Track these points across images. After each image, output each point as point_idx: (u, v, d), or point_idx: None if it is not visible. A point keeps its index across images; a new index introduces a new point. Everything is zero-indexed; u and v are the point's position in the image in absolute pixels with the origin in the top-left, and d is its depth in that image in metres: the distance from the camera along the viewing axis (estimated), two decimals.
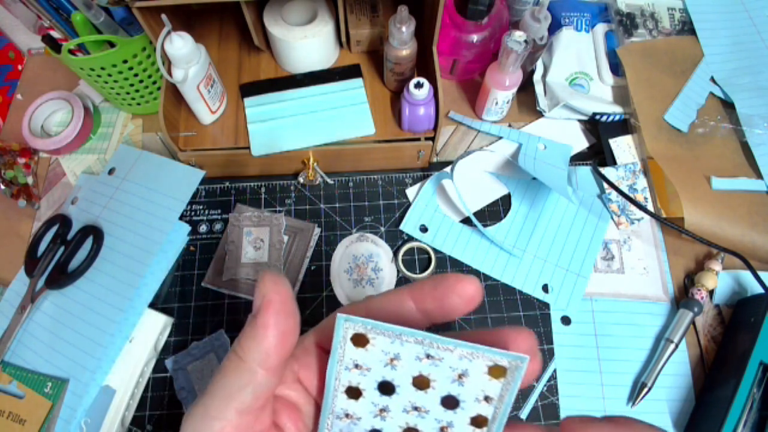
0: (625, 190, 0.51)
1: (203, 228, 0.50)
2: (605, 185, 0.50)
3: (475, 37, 0.51)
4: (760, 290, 0.45)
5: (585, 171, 0.52)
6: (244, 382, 0.19)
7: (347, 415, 0.21)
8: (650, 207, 0.50)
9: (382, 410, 0.20)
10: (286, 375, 0.20)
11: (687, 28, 0.58)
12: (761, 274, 0.45)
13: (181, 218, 0.48)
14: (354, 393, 0.20)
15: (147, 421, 0.43)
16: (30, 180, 0.53)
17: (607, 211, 0.50)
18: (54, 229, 0.48)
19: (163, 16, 0.41)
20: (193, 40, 0.44)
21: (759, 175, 0.49)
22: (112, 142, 0.56)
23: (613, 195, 0.51)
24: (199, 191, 0.52)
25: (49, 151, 0.54)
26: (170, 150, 0.53)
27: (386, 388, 0.20)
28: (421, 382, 0.20)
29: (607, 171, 0.52)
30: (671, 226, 0.47)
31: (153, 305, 0.46)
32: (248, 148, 0.49)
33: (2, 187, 0.51)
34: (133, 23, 0.48)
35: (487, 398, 0.19)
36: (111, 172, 0.51)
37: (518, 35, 0.45)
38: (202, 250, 0.50)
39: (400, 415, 0.20)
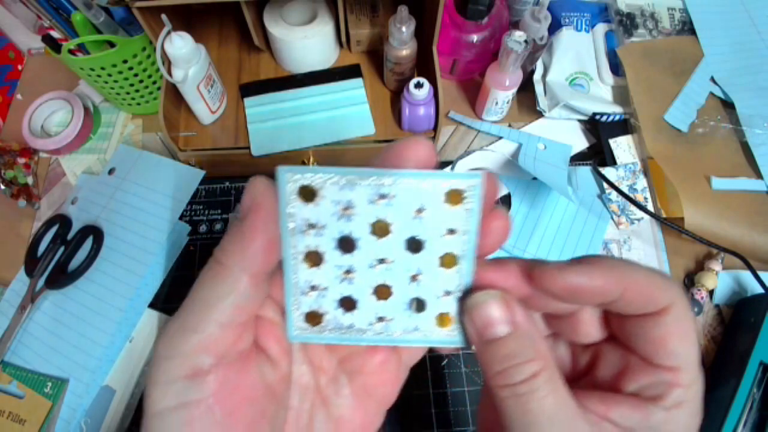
0: (625, 190, 0.51)
1: (203, 228, 0.50)
2: (605, 185, 0.50)
3: (475, 37, 0.51)
4: (760, 290, 0.45)
5: (585, 171, 0.52)
6: (226, 291, 0.17)
7: (312, 288, 0.19)
8: (650, 207, 0.50)
9: (348, 272, 0.19)
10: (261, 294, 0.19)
11: (687, 28, 0.57)
12: (761, 274, 0.45)
13: (181, 218, 0.48)
14: (314, 258, 0.19)
15: None
16: (30, 180, 0.53)
17: (607, 211, 0.50)
18: (54, 229, 0.47)
19: (163, 16, 0.41)
20: (193, 40, 0.44)
21: (759, 175, 0.49)
22: (112, 142, 0.56)
23: (613, 195, 0.51)
24: (199, 191, 0.52)
25: (49, 151, 0.54)
26: (170, 150, 0.53)
27: (346, 245, 0.19)
28: (380, 229, 0.18)
29: (607, 171, 0.52)
30: (671, 226, 0.47)
31: (153, 305, 0.46)
32: (248, 148, 0.49)
33: (2, 187, 0.51)
34: (133, 23, 0.48)
35: (450, 231, 0.18)
36: (111, 172, 0.51)
37: (518, 35, 0.45)
38: (202, 250, 0.49)
39: (367, 272, 0.19)
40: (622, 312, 0.18)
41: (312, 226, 0.18)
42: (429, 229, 0.18)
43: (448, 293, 0.19)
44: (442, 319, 0.20)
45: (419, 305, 0.20)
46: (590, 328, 0.20)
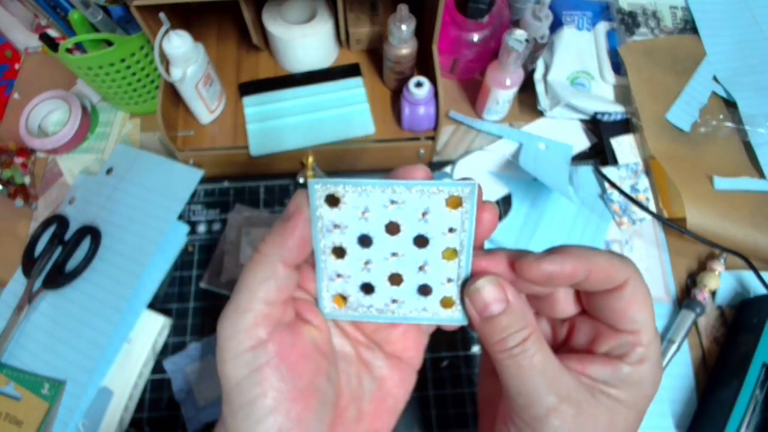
0: (627, 190, 0.51)
1: (202, 228, 0.50)
2: (607, 185, 0.50)
3: (475, 36, 0.50)
4: (763, 291, 0.45)
5: (586, 171, 0.52)
6: (267, 275, 0.21)
7: (339, 275, 0.23)
8: (652, 207, 0.50)
9: (367, 263, 0.23)
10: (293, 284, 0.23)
11: (689, 26, 0.57)
12: (764, 274, 0.44)
13: (179, 218, 0.48)
14: (339, 252, 0.23)
15: (145, 423, 0.43)
16: (27, 180, 0.53)
17: (608, 211, 0.50)
18: (51, 229, 0.47)
19: (162, 15, 0.40)
20: (191, 39, 0.43)
21: (762, 175, 0.49)
22: (110, 141, 0.55)
23: (615, 195, 0.50)
24: (197, 191, 0.52)
25: (46, 150, 0.54)
26: (168, 150, 0.53)
27: (365, 241, 0.23)
28: (392, 228, 0.22)
29: (608, 171, 0.51)
30: (673, 226, 0.46)
31: (151, 306, 0.46)
32: (247, 147, 0.49)
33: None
34: (131, 22, 0.48)
35: (451, 230, 0.22)
36: (109, 171, 0.50)
37: (519, 34, 0.45)
38: (201, 250, 0.49)
39: (382, 263, 0.23)
40: (589, 290, 0.22)
41: (337, 226, 0.22)
42: (433, 228, 0.22)
43: (450, 280, 0.23)
44: (445, 302, 0.23)
45: (426, 290, 0.23)
46: (565, 306, 0.24)
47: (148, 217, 0.47)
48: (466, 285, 0.22)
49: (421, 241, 0.22)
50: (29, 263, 0.46)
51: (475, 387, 0.43)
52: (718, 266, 0.46)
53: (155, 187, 0.48)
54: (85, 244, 0.46)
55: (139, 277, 0.44)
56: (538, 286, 0.23)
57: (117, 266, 0.45)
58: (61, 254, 0.46)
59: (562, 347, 0.24)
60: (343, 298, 0.24)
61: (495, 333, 0.21)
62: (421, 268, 0.23)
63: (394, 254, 0.23)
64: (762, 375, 0.39)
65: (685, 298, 0.46)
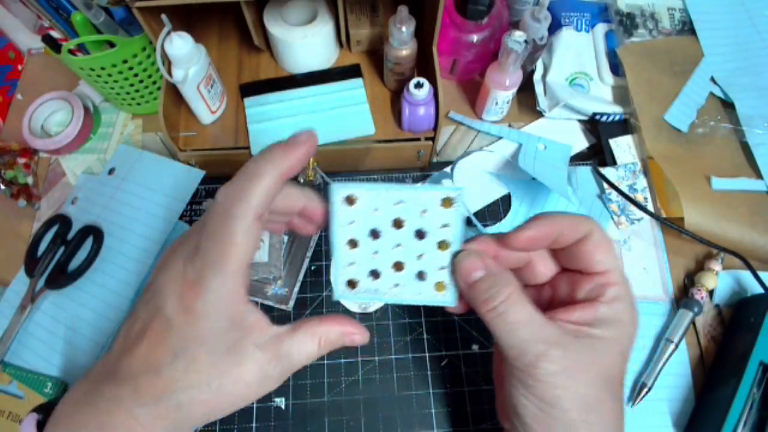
0: (625, 190, 0.51)
1: None
2: (605, 185, 0.50)
3: (475, 37, 0.51)
4: (760, 290, 0.45)
5: (585, 171, 0.52)
6: (277, 157, 0.25)
7: (351, 264, 0.28)
8: (650, 207, 0.50)
9: (375, 252, 0.28)
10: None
11: (687, 28, 0.57)
12: (761, 274, 0.45)
13: (181, 218, 0.48)
14: (353, 244, 0.28)
15: None
16: (30, 180, 0.53)
17: (607, 211, 0.50)
18: (54, 229, 0.47)
19: (163, 16, 0.41)
20: (193, 40, 0.44)
21: (759, 175, 0.49)
22: (112, 142, 0.56)
23: (613, 195, 0.51)
24: (199, 191, 0.52)
25: (49, 151, 0.54)
26: (170, 150, 0.53)
27: (375, 234, 0.27)
28: (397, 223, 0.27)
29: (607, 171, 0.52)
30: (671, 226, 0.47)
31: None
32: (248, 148, 0.49)
33: (2, 187, 0.51)
34: (133, 23, 0.48)
35: (444, 225, 0.27)
36: (111, 172, 0.51)
37: (518, 35, 0.45)
38: None
39: (389, 253, 0.28)
40: (563, 245, 0.27)
41: (352, 222, 0.27)
42: (430, 223, 0.27)
43: (443, 268, 0.27)
44: (438, 286, 0.28)
45: (422, 276, 0.28)
46: (543, 269, 0.29)
47: (150, 217, 0.47)
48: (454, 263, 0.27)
49: (420, 234, 0.27)
50: (32, 263, 0.46)
51: (474, 386, 0.44)
52: (716, 266, 0.46)
53: (157, 188, 0.49)
54: (88, 244, 0.46)
55: (142, 276, 0.45)
56: (520, 254, 0.28)
57: (119, 266, 0.46)
58: (63, 254, 0.46)
59: (549, 307, 0.27)
60: (354, 282, 0.28)
61: (480, 294, 0.25)
62: (419, 257, 0.27)
63: (398, 245, 0.27)
64: (759, 374, 0.39)
65: (683, 297, 0.46)
